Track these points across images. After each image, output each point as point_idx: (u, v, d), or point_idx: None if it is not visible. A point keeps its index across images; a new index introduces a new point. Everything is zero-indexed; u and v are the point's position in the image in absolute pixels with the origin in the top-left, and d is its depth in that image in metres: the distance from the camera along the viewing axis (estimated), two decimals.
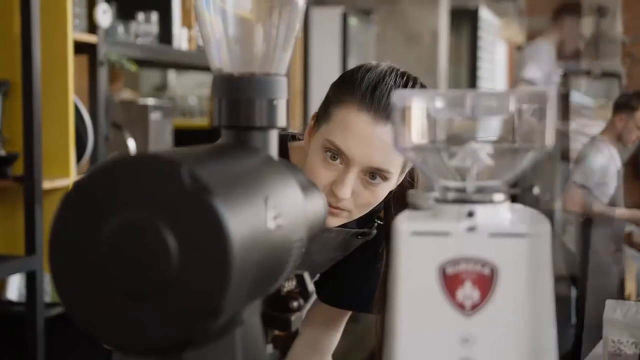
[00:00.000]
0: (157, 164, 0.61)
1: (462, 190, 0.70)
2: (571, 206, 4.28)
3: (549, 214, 4.36)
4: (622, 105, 4.46)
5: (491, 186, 0.71)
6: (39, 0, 2.34)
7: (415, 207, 0.76)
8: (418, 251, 0.68)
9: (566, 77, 4.65)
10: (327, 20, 4.79)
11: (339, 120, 1.23)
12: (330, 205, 1.25)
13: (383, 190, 1.27)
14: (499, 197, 0.70)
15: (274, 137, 0.82)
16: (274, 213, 0.69)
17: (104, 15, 2.59)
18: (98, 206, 0.61)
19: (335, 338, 1.55)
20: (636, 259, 4.39)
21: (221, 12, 0.81)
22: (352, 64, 6.16)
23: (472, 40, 7.25)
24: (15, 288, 2.49)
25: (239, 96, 0.79)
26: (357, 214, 1.30)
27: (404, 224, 0.68)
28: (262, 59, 0.81)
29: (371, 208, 1.30)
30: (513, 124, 0.71)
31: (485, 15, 7.43)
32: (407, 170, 1.33)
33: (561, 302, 4.15)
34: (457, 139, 0.72)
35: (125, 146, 2.83)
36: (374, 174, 1.25)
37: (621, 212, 4.50)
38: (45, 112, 2.38)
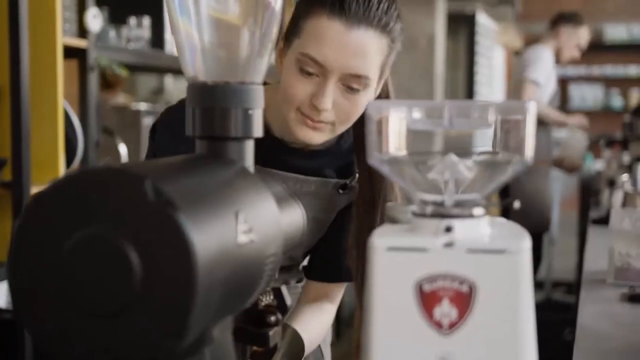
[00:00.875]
0: (121, 178, 0.59)
1: (440, 203, 0.68)
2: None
3: None
4: (567, 20, 4.53)
5: (470, 200, 0.68)
6: (27, 3, 2.32)
7: (393, 221, 0.74)
8: (394, 267, 0.65)
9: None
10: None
11: (311, 32, 1.21)
12: (312, 120, 1.24)
13: (363, 99, 1.25)
14: (478, 211, 0.68)
15: (249, 147, 0.79)
16: (245, 227, 0.66)
17: (94, 19, 2.56)
18: (59, 220, 0.59)
19: (332, 311, 1.48)
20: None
21: (195, 19, 0.79)
22: None
23: (469, 45, 7.24)
24: (3, 295, 2.46)
25: (214, 105, 0.77)
26: (340, 128, 1.27)
27: (380, 239, 0.66)
28: (238, 67, 0.79)
29: (353, 121, 1.28)
30: (493, 136, 0.68)
31: (483, 20, 7.42)
32: (384, 78, 1.31)
33: None
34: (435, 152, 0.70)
35: (117, 151, 2.81)
36: (352, 85, 1.22)
37: (562, 117, 4.69)
38: (34, 117, 2.35)
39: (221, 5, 0.79)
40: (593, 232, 2.79)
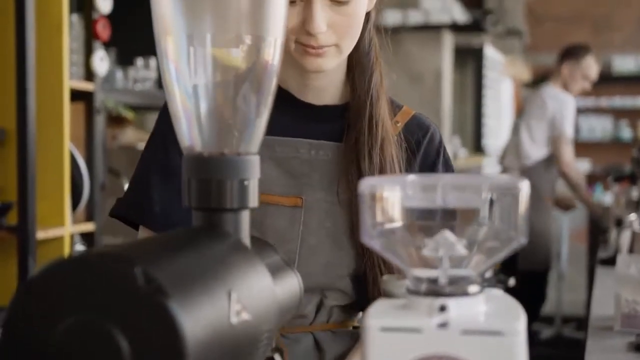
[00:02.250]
0: (110, 264, 0.58)
1: (434, 280, 0.68)
2: (569, 164, 4.38)
3: None
4: (568, 55, 4.50)
5: (465, 277, 0.68)
6: (34, 48, 2.34)
7: (388, 295, 0.74)
8: (388, 348, 0.65)
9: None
10: None
11: None
12: (313, 47, 1.16)
13: (358, 6, 1.17)
14: (473, 288, 0.67)
15: (245, 218, 0.79)
16: (239, 307, 0.66)
17: (101, 62, 2.58)
18: (49, 307, 0.59)
19: None
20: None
21: (191, 89, 0.79)
22: None
23: (477, 78, 7.25)
24: None
25: (210, 177, 0.77)
26: (347, 46, 1.19)
27: (374, 319, 0.65)
28: (234, 138, 0.79)
29: (357, 34, 1.19)
30: (488, 212, 0.68)
31: (490, 53, 7.43)
32: None
33: None
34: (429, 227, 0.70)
35: (123, 193, 2.81)
36: None
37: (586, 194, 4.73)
38: (40, 161, 2.36)
39: (217, 74, 0.79)
40: (601, 273, 2.77)
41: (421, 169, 1.27)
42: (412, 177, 0.69)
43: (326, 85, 1.27)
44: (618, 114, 9.85)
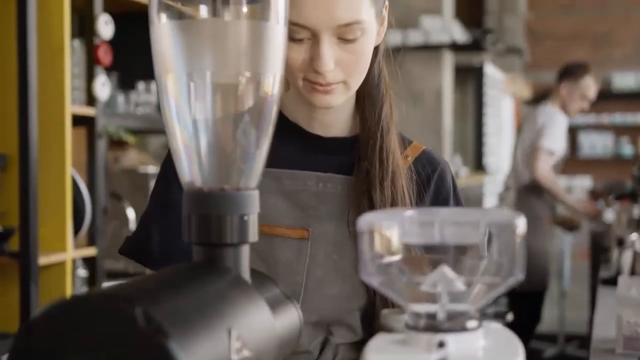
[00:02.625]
0: (111, 304, 0.59)
1: (433, 316, 0.68)
2: (541, 174, 4.33)
3: None
4: (566, 74, 4.49)
5: (463, 312, 0.68)
6: (36, 73, 2.35)
7: (387, 329, 0.74)
8: None
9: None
10: None
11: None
12: (321, 85, 1.16)
13: (366, 44, 1.15)
14: (471, 324, 0.67)
15: (245, 252, 0.80)
16: (239, 344, 0.66)
17: (103, 87, 2.60)
18: (50, 348, 0.59)
19: None
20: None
21: (191, 125, 0.80)
22: None
23: (477, 96, 7.27)
24: None
25: (210, 212, 0.78)
26: (355, 83, 1.18)
27: (373, 354, 0.66)
28: (233, 173, 0.80)
29: (365, 70, 1.18)
30: (485, 247, 0.69)
31: (491, 71, 7.46)
32: (384, 11, 1.21)
33: None
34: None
35: (125, 216, 2.82)
36: (347, 36, 1.13)
37: (568, 199, 4.64)
38: (42, 186, 2.37)
39: (217, 110, 0.80)
40: (603, 293, 2.76)
41: (433, 205, 1.27)
42: (409, 213, 0.70)
43: (334, 118, 1.27)
44: (619, 130, 9.88)
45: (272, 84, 0.81)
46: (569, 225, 4.92)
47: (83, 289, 2.75)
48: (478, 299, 0.69)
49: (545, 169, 4.32)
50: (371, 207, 1.19)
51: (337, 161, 1.26)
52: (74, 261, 2.58)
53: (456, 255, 0.71)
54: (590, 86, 4.53)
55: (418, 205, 1.24)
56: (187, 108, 0.79)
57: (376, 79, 1.26)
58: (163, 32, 0.78)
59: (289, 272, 1.20)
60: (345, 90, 1.18)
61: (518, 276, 0.67)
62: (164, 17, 0.77)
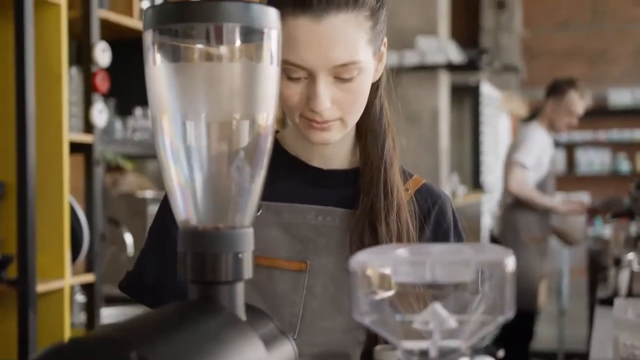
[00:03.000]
0: (106, 348, 0.60)
1: (425, 352, 0.69)
2: (515, 186, 4.29)
3: None
4: (551, 91, 4.47)
5: (455, 348, 0.69)
6: (35, 101, 2.37)
7: None
8: None
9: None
10: None
11: (284, 36, 1.15)
12: (317, 122, 1.16)
13: (363, 82, 1.16)
14: None
15: (240, 289, 0.81)
16: None
17: (100, 114, 2.61)
18: None
19: None
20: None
21: (186, 165, 0.81)
22: None
23: (474, 115, 7.30)
24: None
25: (205, 251, 0.79)
26: (351, 119, 1.18)
27: None
28: (228, 211, 0.81)
29: (362, 107, 1.18)
30: (475, 286, 0.70)
31: (487, 90, 7.49)
32: (382, 50, 1.21)
33: None
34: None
35: (123, 242, 2.83)
36: (343, 75, 1.13)
37: (551, 202, 4.52)
38: (40, 214, 2.38)
39: (212, 150, 0.81)
40: (600, 314, 2.77)
41: (434, 240, 1.27)
42: (402, 252, 0.71)
43: (334, 152, 1.28)
44: (616, 147, 9.91)
45: (266, 122, 0.82)
46: (568, 240, 4.92)
47: (81, 316, 2.75)
48: (470, 335, 0.70)
49: (518, 181, 4.28)
50: (375, 241, 1.20)
51: (337, 194, 1.26)
52: (72, 288, 2.59)
53: (448, 292, 0.72)
54: (574, 101, 4.46)
55: (420, 238, 1.25)
56: (182, 148, 0.80)
57: (378, 114, 1.26)
58: (158, 73, 0.79)
59: (286, 304, 1.20)
60: (342, 127, 1.19)
61: (508, 314, 0.68)
62: (158, 59, 0.79)
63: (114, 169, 3.32)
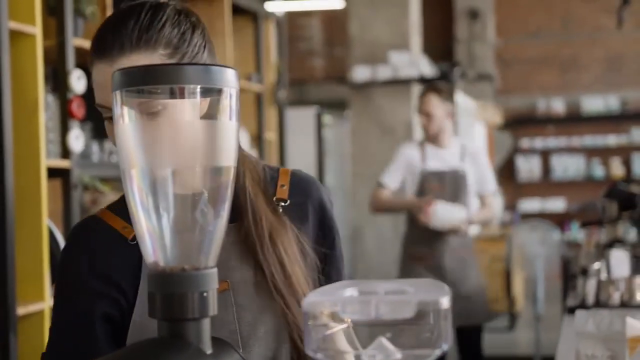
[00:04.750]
0: None
1: None
2: (371, 205, 4.07)
3: None
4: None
5: None
6: (12, 128, 2.42)
7: None
8: None
9: None
10: (302, 120, 4.90)
11: (92, 81, 1.21)
12: None
13: (207, 105, 1.16)
14: None
15: (206, 325, 0.88)
16: None
17: (77, 140, 2.67)
18: None
19: None
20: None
21: (154, 212, 0.88)
22: (328, 160, 6.30)
23: None
24: None
25: (172, 291, 0.86)
26: None
27: None
28: (192, 254, 0.88)
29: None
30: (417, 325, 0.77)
31: (461, 100, 7.59)
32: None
33: None
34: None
35: None
36: (151, 111, 1.13)
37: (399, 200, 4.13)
38: (19, 238, 2.43)
39: (177, 199, 0.89)
40: (567, 323, 2.84)
41: (319, 226, 1.33)
42: (349, 293, 0.79)
43: None
44: (590, 152, 10.06)
45: (227, 170, 0.89)
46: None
47: None
48: None
49: (376, 201, 4.05)
50: (260, 263, 1.26)
51: None
52: (51, 310, 2.64)
53: (392, 327, 0.79)
54: (419, 100, 4.09)
55: (303, 228, 1.30)
56: (149, 196, 0.87)
57: None
58: (126, 130, 0.86)
59: (222, 325, 1.24)
60: None
61: (444, 347, 0.76)
62: (126, 117, 0.86)
63: (93, 188, 3.37)
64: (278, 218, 1.28)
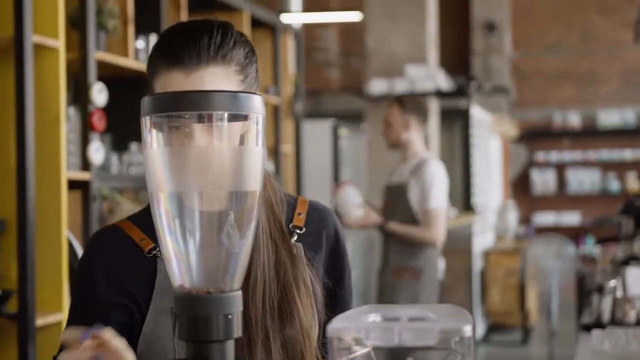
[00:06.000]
0: None
1: None
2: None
3: None
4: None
5: None
6: (34, 140, 2.45)
7: None
8: None
9: None
10: (318, 132, 4.92)
11: (159, 89, 1.21)
12: None
13: (234, 131, 1.18)
14: None
15: (230, 347, 0.89)
16: None
17: (97, 152, 2.70)
18: None
19: None
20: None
21: (181, 235, 0.90)
22: (343, 172, 6.31)
23: (464, 137, 7.39)
24: None
25: (198, 313, 0.88)
26: None
27: None
28: (218, 277, 0.90)
29: None
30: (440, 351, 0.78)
31: (477, 112, 7.59)
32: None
33: None
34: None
35: None
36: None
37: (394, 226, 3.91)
38: (39, 249, 2.46)
39: (204, 223, 0.90)
40: (583, 341, 2.84)
41: (331, 255, 1.34)
42: (372, 318, 0.80)
43: None
44: (606, 166, 10.02)
45: (253, 195, 0.91)
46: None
47: None
48: None
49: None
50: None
51: None
52: None
53: (415, 352, 0.80)
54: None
55: (317, 257, 1.31)
56: (176, 220, 0.89)
57: None
58: (155, 155, 0.88)
59: None
60: None
61: None
62: (155, 142, 0.88)
63: (111, 199, 3.40)
64: (288, 246, 1.29)
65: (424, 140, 4.08)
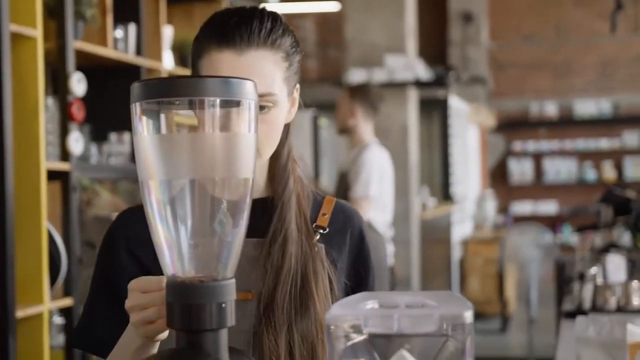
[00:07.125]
0: None
1: None
2: None
3: None
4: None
5: None
6: (12, 130, 2.42)
7: None
8: None
9: None
10: (298, 122, 4.88)
11: (205, 68, 1.23)
12: None
13: (277, 116, 1.24)
14: None
15: (224, 336, 0.88)
16: None
17: (76, 143, 2.67)
18: None
19: None
20: None
21: (172, 223, 0.88)
22: (324, 163, 6.30)
23: (442, 127, 7.42)
24: None
25: (191, 302, 0.86)
26: (266, 152, 1.25)
27: None
28: (211, 266, 0.89)
29: (277, 141, 1.25)
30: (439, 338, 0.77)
31: (455, 102, 7.61)
32: (295, 91, 1.29)
33: None
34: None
35: None
36: (259, 103, 1.14)
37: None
38: (19, 240, 2.43)
39: (195, 211, 0.89)
40: (565, 327, 2.85)
41: (354, 257, 1.34)
42: (370, 305, 0.79)
43: None
44: (582, 156, 10.09)
45: (245, 182, 0.90)
46: None
47: (60, 337, 2.80)
48: None
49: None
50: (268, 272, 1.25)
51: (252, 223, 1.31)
52: (50, 312, 2.63)
53: (414, 340, 0.79)
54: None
55: (340, 259, 1.31)
56: (167, 208, 0.88)
57: (284, 160, 1.31)
58: (145, 142, 0.86)
59: (236, 331, 1.23)
60: (257, 158, 1.22)
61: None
62: (145, 129, 0.86)
63: (90, 189, 3.36)
64: (310, 241, 1.28)
65: (372, 128, 4.12)
